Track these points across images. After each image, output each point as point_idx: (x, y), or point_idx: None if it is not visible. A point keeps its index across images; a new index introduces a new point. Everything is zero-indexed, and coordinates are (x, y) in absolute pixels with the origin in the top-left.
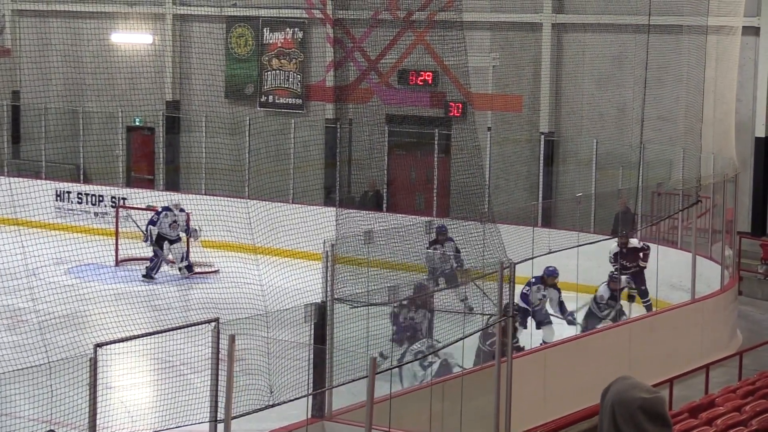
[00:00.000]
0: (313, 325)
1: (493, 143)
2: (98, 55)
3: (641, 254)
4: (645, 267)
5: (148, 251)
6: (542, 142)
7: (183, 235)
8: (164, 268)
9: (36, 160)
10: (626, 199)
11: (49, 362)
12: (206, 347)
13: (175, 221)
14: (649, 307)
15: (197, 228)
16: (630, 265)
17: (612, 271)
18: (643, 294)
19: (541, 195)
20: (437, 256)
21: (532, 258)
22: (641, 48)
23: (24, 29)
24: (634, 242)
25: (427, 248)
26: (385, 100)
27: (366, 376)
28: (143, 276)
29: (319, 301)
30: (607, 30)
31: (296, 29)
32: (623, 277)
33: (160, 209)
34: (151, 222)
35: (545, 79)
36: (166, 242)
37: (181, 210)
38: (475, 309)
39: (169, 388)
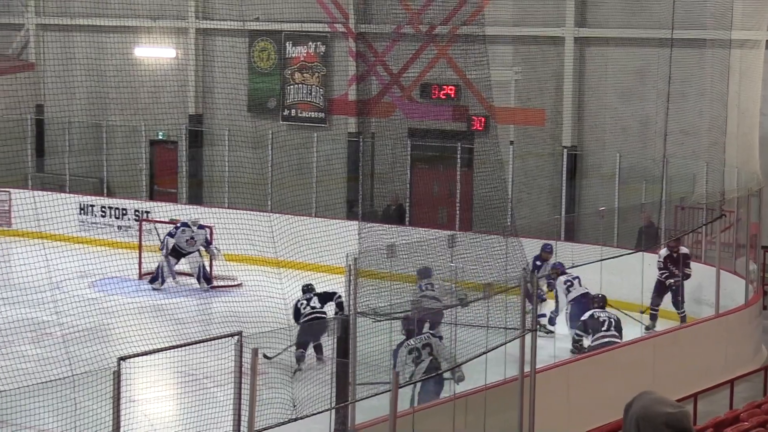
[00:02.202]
0: (336, 339)
1: (515, 157)
2: (121, 69)
3: (688, 261)
4: (689, 275)
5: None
6: (565, 156)
7: (202, 249)
8: (189, 280)
9: (60, 174)
10: (649, 213)
11: (73, 375)
12: (229, 361)
13: (192, 238)
14: (684, 318)
15: (217, 249)
16: (677, 271)
17: (660, 275)
18: (678, 305)
19: (564, 209)
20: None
21: (555, 271)
22: (664, 62)
23: (48, 43)
24: (684, 249)
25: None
26: (408, 114)
27: (389, 390)
28: (150, 282)
29: (342, 315)
30: (630, 44)
31: (319, 43)
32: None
33: (179, 224)
34: (170, 234)
35: (568, 93)
36: (180, 257)
37: (201, 227)
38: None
39: (192, 402)
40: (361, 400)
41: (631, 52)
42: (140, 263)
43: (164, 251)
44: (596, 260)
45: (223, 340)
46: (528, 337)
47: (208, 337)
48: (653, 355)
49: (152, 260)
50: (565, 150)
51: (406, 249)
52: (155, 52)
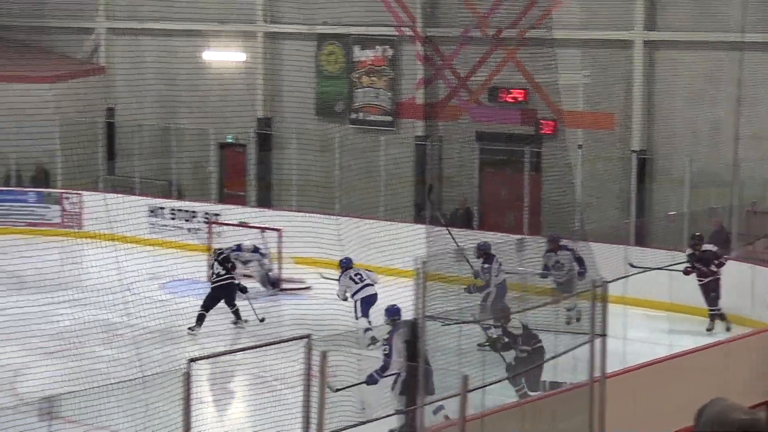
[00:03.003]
0: (404, 343)
1: (584, 161)
2: (191, 73)
3: (716, 261)
4: (719, 276)
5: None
6: (634, 160)
7: (269, 254)
8: (252, 284)
9: (130, 176)
10: (720, 218)
11: (143, 376)
12: (299, 363)
13: (245, 262)
14: (717, 317)
15: (266, 253)
16: (705, 269)
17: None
18: (711, 302)
19: (633, 213)
20: (551, 263)
21: (625, 276)
22: (735, 65)
23: (118, 48)
24: (709, 247)
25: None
26: (475, 118)
27: (458, 394)
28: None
29: (411, 318)
30: (700, 47)
31: (386, 47)
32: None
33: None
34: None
35: (637, 97)
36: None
37: (255, 250)
38: (577, 321)
39: (262, 404)
40: (430, 404)
41: (702, 56)
42: (210, 265)
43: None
44: (667, 266)
45: (292, 342)
46: (598, 342)
47: (277, 339)
48: (724, 361)
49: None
50: (635, 154)
51: (474, 253)
52: (224, 56)
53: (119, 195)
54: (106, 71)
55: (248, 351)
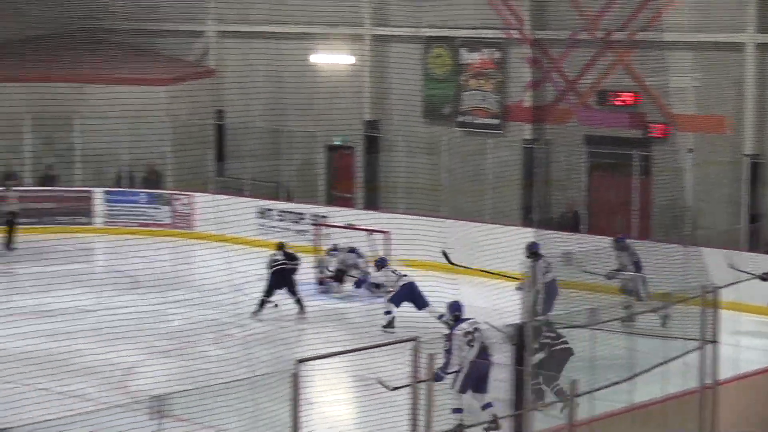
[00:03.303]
0: (512, 347)
1: (694, 165)
2: (299, 76)
3: None
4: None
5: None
6: (746, 164)
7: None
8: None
9: (239, 178)
10: None
11: (252, 376)
12: (406, 366)
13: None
14: None
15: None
16: None
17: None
18: None
19: (746, 218)
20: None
21: (737, 282)
22: None
23: (228, 50)
24: None
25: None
26: (584, 121)
27: (566, 399)
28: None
29: (519, 322)
30: None
31: (494, 49)
32: None
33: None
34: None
35: (749, 100)
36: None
37: (351, 250)
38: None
39: (370, 406)
40: (536, 409)
41: None
42: (317, 267)
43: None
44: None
45: (400, 344)
46: (709, 348)
47: (384, 341)
48: None
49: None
50: (747, 158)
51: (582, 257)
52: (332, 59)
53: (229, 196)
54: (216, 74)
55: (357, 353)
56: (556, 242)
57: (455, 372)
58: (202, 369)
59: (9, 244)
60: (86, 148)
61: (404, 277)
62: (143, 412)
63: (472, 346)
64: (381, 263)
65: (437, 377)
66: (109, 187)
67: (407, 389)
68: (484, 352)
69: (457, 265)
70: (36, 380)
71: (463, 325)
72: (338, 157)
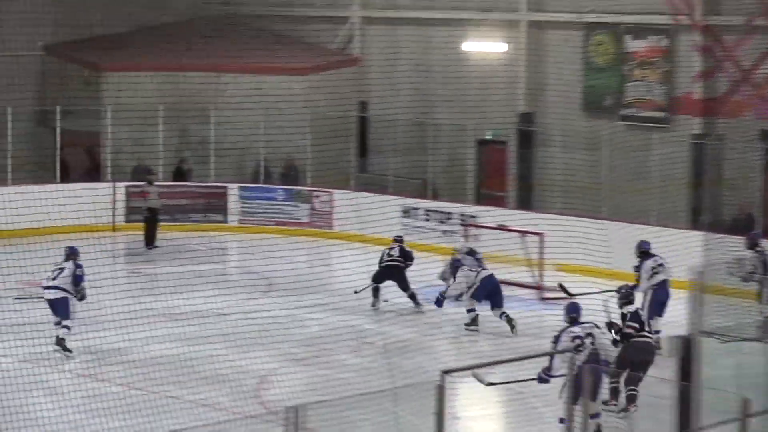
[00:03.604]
0: (677, 360)
1: None
2: (449, 65)
3: None
4: None
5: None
6: None
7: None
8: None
9: (383, 174)
10: None
11: (394, 388)
12: (562, 378)
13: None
14: None
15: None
16: None
17: None
18: None
19: None
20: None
21: None
22: None
23: (373, 38)
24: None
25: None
26: (760, 115)
27: (737, 419)
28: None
29: (685, 333)
30: None
31: (661, 36)
32: None
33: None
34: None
35: None
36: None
37: (469, 252)
38: None
39: (519, 422)
40: (706, 428)
41: None
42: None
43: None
44: None
45: (555, 356)
46: None
47: (538, 353)
48: None
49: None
50: None
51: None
52: (484, 47)
53: (371, 194)
54: (360, 63)
55: (506, 364)
56: (727, 247)
57: (561, 376)
58: (340, 378)
59: (149, 243)
60: (221, 141)
61: (483, 271)
62: (278, 424)
63: (580, 351)
64: (455, 264)
65: (540, 379)
66: (245, 182)
67: (559, 405)
68: (593, 358)
69: (575, 295)
70: (165, 387)
71: (576, 329)
72: (489, 153)
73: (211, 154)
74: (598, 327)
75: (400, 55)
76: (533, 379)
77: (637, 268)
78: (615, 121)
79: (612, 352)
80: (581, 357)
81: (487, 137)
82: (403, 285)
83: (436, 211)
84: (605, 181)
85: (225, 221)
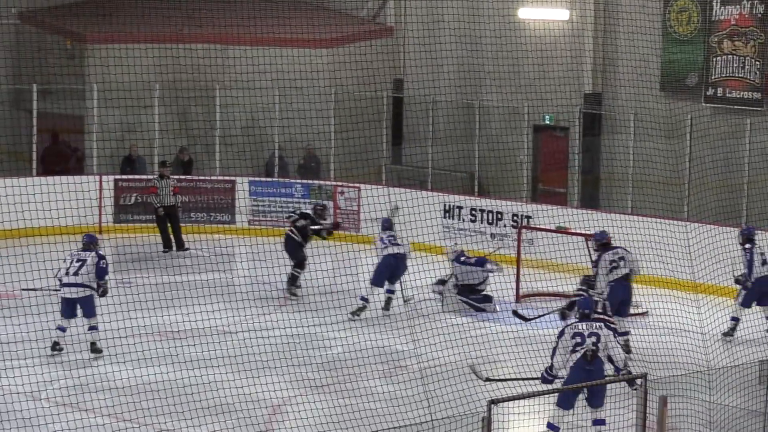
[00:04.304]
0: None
1: None
2: (501, 36)
3: None
4: None
5: (555, 283)
6: None
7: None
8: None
9: (421, 167)
10: None
11: (432, 420)
12: (630, 410)
13: None
14: None
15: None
16: None
17: None
18: None
19: None
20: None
21: None
22: None
23: (410, 3)
24: None
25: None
26: None
27: None
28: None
29: None
30: None
31: (756, 2)
32: None
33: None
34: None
35: None
36: None
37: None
38: None
39: None
40: None
41: None
42: (517, 281)
43: None
44: None
45: (624, 383)
46: None
47: (603, 379)
48: None
49: (532, 278)
50: None
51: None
52: (544, 14)
53: (407, 190)
54: (394, 33)
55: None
56: None
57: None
58: (368, 409)
59: (168, 245)
60: (228, 126)
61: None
62: None
63: (577, 351)
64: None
65: (543, 379)
66: (257, 176)
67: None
68: (596, 362)
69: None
70: (160, 419)
71: (581, 326)
72: (548, 141)
73: (216, 142)
74: (609, 328)
75: (442, 24)
76: (537, 378)
77: (595, 264)
78: (700, 103)
79: (619, 357)
80: (574, 357)
81: (546, 122)
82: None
83: (484, 211)
84: (688, 175)
85: (233, 222)
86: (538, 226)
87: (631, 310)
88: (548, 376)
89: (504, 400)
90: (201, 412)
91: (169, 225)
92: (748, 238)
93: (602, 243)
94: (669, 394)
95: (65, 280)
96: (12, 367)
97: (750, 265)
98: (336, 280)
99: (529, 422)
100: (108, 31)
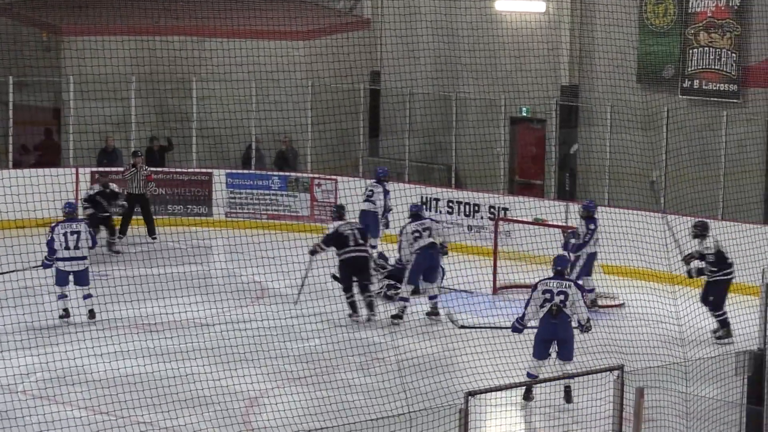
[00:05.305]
0: (745, 380)
1: None
2: (477, 28)
3: None
4: None
5: (532, 275)
6: None
7: None
8: None
9: (398, 159)
10: None
11: (409, 411)
12: (607, 401)
13: None
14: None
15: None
16: None
17: None
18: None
19: None
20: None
21: None
22: None
23: None
24: None
25: None
26: None
27: None
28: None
29: (755, 348)
30: None
31: None
32: None
33: None
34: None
35: None
36: None
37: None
38: None
39: None
40: None
41: None
42: (495, 274)
43: None
44: None
45: (600, 375)
46: None
47: (580, 370)
48: None
49: (509, 271)
50: None
51: None
52: (521, 6)
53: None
54: (371, 25)
55: (544, 384)
56: None
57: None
58: (346, 401)
59: (123, 232)
60: (205, 118)
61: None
62: None
63: (544, 307)
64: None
65: (514, 328)
66: (233, 168)
67: (607, 429)
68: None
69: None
70: (137, 411)
71: (552, 283)
72: (524, 132)
73: (192, 134)
74: (578, 288)
75: (418, 16)
76: (507, 327)
77: (400, 233)
78: (676, 96)
79: (583, 316)
80: (542, 311)
81: (523, 114)
82: (365, 283)
83: (460, 203)
84: (664, 168)
85: (209, 214)
86: (515, 218)
87: (608, 302)
88: (518, 325)
89: (481, 391)
90: (178, 405)
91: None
92: (588, 213)
93: (413, 213)
94: (646, 385)
95: (66, 254)
96: None
97: (589, 239)
98: (314, 273)
99: (506, 413)
100: (84, 23)
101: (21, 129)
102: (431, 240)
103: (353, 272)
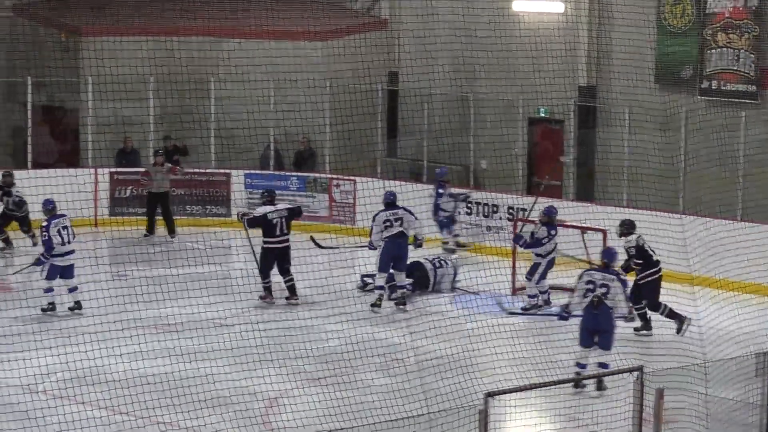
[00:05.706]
0: (766, 381)
1: None
2: (496, 29)
3: None
4: None
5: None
6: None
7: None
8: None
9: (416, 159)
10: None
11: (428, 413)
12: (626, 402)
13: None
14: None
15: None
16: None
17: None
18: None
19: None
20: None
21: None
22: None
23: None
24: None
25: None
26: None
27: None
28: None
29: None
30: None
31: None
32: None
33: None
34: None
35: None
36: None
37: None
38: None
39: None
40: None
41: None
42: (513, 274)
43: None
44: None
45: (619, 376)
46: None
47: (598, 372)
48: None
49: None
50: None
51: None
52: (539, 7)
53: (403, 182)
54: (389, 26)
55: (560, 385)
56: None
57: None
58: (365, 402)
59: (151, 230)
60: (223, 119)
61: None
62: None
63: (586, 297)
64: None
65: (560, 316)
66: (251, 168)
67: None
68: (603, 308)
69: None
70: (156, 411)
71: (597, 275)
72: (543, 133)
73: (211, 135)
74: (621, 282)
75: (436, 17)
76: (555, 315)
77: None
78: (694, 96)
79: (623, 310)
80: (585, 301)
81: (541, 115)
82: (284, 267)
83: (479, 203)
84: (682, 168)
85: (228, 215)
86: (533, 219)
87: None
88: (563, 312)
89: (501, 392)
90: (198, 405)
91: (159, 211)
92: (550, 219)
93: (387, 202)
94: (665, 386)
95: (64, 249)
96: (9, 360)
97: (546, 242)
98: (332, 273)
99: (525, 414)
100: (102, 24)
101: (41, 129)
102: (401, 229)
103: (275, 259)
